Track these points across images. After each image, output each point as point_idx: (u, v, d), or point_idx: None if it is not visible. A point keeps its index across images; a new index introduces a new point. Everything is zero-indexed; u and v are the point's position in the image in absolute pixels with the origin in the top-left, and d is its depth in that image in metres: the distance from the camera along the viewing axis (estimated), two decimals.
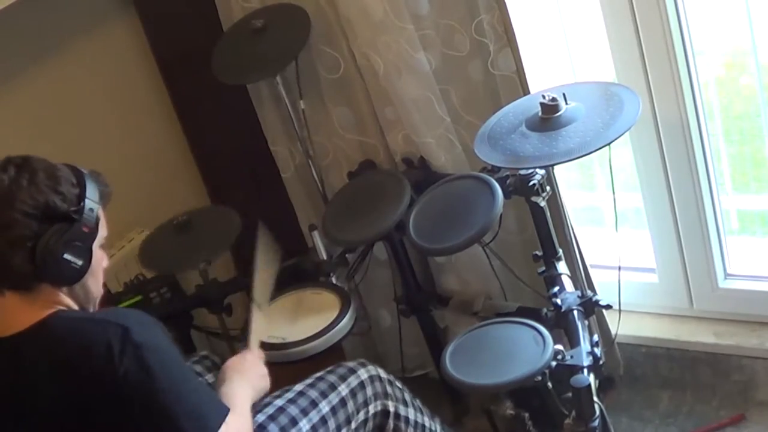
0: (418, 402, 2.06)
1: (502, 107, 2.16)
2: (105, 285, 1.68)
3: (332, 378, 1.91)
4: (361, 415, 1.91)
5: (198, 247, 2.32)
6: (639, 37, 2.16)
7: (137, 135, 2.74)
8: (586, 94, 2.04)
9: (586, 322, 2.10)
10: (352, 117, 2.49)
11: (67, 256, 1.51)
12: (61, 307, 1.56)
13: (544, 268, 2.20)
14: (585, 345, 1.98)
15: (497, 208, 1.99)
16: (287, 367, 1.99)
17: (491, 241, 2.28)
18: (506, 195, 2.06)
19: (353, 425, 1.88)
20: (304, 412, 1.83)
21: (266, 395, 1.84)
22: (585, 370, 1.89)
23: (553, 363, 1.88)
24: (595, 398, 1.84)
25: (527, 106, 2.08)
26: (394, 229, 2.20)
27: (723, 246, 2.41)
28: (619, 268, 2.23)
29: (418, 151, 2.38)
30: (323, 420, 1.84)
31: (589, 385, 1.81)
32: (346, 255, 2.39)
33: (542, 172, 2.07)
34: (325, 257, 2.32)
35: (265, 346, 2.00)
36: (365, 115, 2.46)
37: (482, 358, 1.95)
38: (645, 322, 2.55)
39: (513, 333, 1.99)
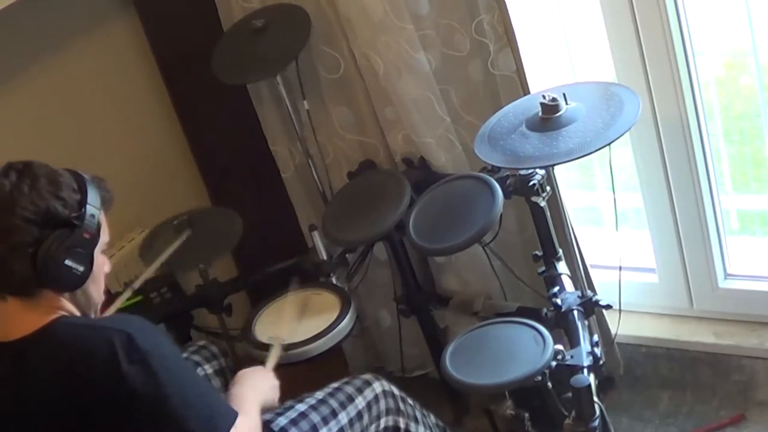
0: (429, 420, 2.06)
1: (502, 107, 2.16)
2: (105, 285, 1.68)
3: (350, 389, 1.92)
4: (373, 429, 1.91)
5: (198, 248, 2.31)
6: (639, 37, 2.16)
7: (137, 135, 2.74)
8: (586, 94, 2.04)
9: (586, 322, 2.10)
10: (352, 117, 2.49)
11: (68, 262, 1.50)
12: (64, 313, 1.56)
13: (544, 268, 2.21)
14: (585, 345, 1.98)
15: (497, 208, 2.00)
16: (287, 368, 1.99)
17: (491, 241, 2.28)
18: (506, 195, 2.06)
19: None
20: (325, 421, 1.84)
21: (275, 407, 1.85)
22: (585, 370, 1.89)
23: (553, 363, 1.88)
24: (595, 398, 1.84)
25: (527, 106, 2.08)
26: (394, 229, 2.20)
27: (723, 246, 2.41)
28: (620, 268, 2.23)
29: (418, 151, 2.38)
30: (341, 431, 1.85)
31: (589, 385, 1.81)
32: (346, 255, 2.39)
33: (542, 172, 2.07)
34: (325, 257, 2.32)
35: (264, 347, 2.00)
36: (365, 115, 2.46)
37: (482, 358, 1.96)
38: (645, 322, 2.55)
39: (513, 333, 1.99)
